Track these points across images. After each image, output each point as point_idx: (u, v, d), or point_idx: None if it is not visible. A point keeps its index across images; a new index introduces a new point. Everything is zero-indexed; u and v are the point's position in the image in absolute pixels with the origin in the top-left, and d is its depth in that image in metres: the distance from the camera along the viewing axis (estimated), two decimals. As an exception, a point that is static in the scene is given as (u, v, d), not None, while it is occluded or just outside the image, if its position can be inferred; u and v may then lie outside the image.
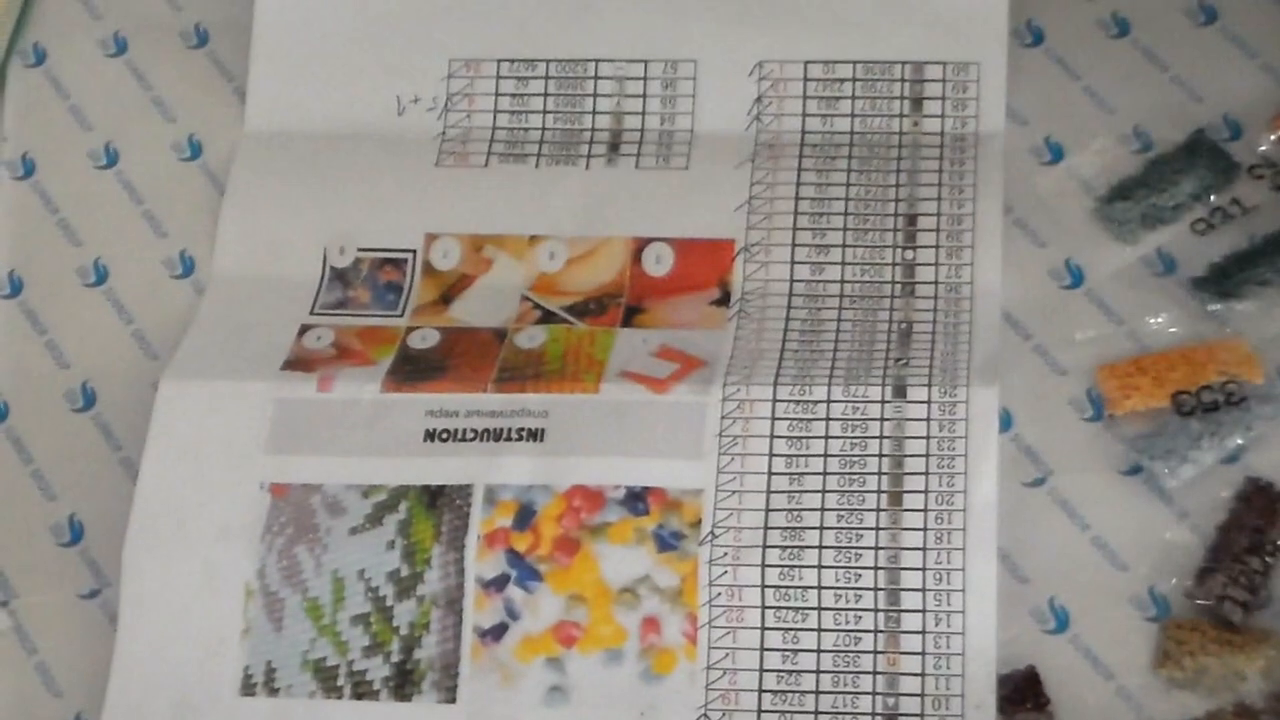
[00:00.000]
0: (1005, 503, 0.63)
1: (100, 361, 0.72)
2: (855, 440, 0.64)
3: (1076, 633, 0.62)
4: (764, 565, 0.63)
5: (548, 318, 0.69)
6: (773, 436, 0.65)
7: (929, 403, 0.64)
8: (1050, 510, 0.64)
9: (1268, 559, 0.62)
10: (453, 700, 0.63)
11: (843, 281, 0.69)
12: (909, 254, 0.69)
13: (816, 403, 0.65)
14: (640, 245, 0.70)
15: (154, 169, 0.75)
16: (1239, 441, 0.64)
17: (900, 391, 0.65)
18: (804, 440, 0.64)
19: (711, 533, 0.63)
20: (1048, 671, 0.62)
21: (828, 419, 0.65)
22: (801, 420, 0.65)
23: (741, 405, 0.65)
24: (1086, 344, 0.67)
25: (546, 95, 0.73)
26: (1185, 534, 0.63)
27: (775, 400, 0.65)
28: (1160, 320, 0.67)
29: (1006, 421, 0.65)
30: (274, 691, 0.64)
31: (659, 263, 0.70)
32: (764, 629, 0.62)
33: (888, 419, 0.64)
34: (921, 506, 0.63)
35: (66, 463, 0.71)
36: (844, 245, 0.69)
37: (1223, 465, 0.64)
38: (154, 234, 0.74)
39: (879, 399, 0.65)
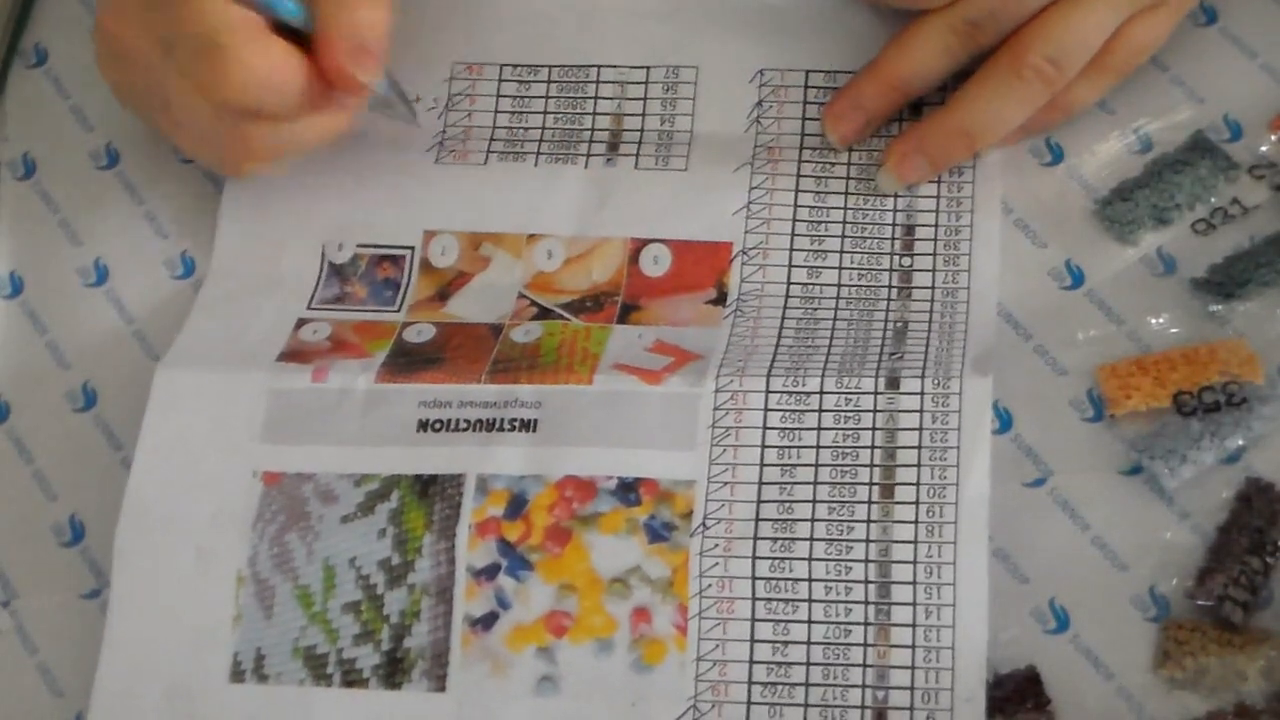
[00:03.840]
0: (1005, 503, 0.63)
1: (101, 362, 0.72)
2: (848, 432, 0.64)
3: (1077, 633, 0.62)
4: (755, 557, 0.62)
5: (544, 314, 0.69)
6: (765, 428, 0.64)
7: (922, 394, 0.64)
8: (1050, 510, 0.64)
9: (1268, 559, 0.61)
10: (442, 689, 0.63)
11: (839, 285, 0.68)
12: (906, 260, 0.68)
13: (809, 394, 0.64)
14: (638, 246, 0.70)
15: (155, 169, 0.75)
16: (1240, 442, 0.63)
17: (893, 383, 0.64)
18: (796, 431, 0.64)
19: (703, 524, 0.63)
20: (1048, 671, 0.61)
21: (820, 410, 0.64)
22: (794, 411, 0.64)
23: (734, 396, 0.65)
24: (1087, 344, 0.66)
25: (548, 98, 0.74)
26: (1186, 534, 0.63)
27: (768, 391, 0.65)
28: (1161, 320, 0.66)
29: (1006, 422, 0.65)
30: (264, 678, 0.64)
31: (656, 264, 0.70)
32: (754, 620, 0.62)
33: (880, 410, 0.64)
34: (913, 499, 0.62)
35: (67, 463, 0.71)
36: (841, 251, 0.69)
37: (1223, 465, 0.63)
38: (154, 234, 0.74)
39: (872, 390, 0.64)
